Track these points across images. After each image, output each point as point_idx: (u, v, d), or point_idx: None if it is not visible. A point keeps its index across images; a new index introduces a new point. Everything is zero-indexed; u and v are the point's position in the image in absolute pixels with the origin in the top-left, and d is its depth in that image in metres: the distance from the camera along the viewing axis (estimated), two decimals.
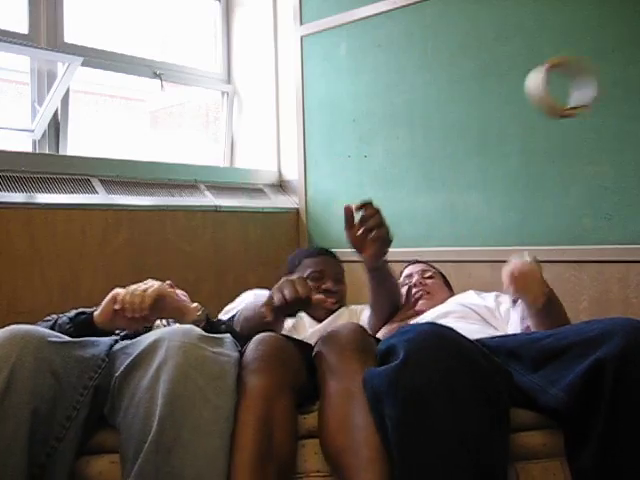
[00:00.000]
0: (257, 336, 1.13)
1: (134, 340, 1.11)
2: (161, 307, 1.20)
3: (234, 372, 1.03)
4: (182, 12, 2.90)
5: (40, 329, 1.04)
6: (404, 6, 2.31)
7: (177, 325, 1.17)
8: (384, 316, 1.55)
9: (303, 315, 1.64)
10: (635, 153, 1.84)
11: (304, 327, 1.63)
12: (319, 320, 1.65)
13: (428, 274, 1.77)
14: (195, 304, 1.31)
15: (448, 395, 0.94)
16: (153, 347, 1.00)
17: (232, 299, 1.84)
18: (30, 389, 0.93)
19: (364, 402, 1.02)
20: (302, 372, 1.14)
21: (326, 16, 2.54)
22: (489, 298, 1.62)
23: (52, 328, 1.24)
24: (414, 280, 1.73)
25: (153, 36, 2.77)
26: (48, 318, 1.30)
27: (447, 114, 2.23)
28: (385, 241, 1.37)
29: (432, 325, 1.08)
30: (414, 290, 1.66)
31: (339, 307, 1.71)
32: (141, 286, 1.21)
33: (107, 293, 1.49)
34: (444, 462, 0.90)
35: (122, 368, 1.00)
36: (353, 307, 1.74)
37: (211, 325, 1.29)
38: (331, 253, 1.81)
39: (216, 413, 0.95)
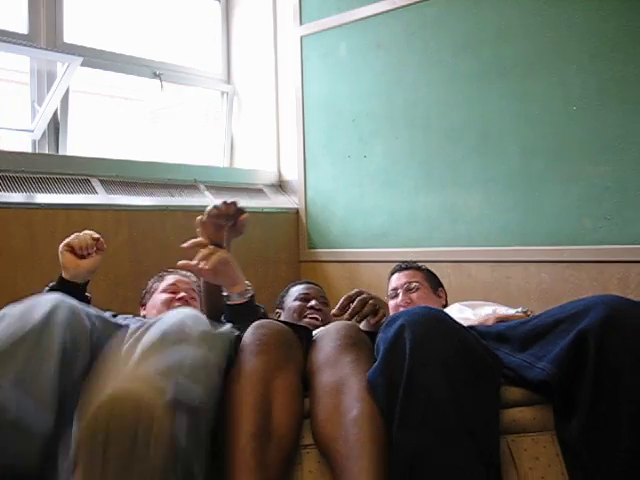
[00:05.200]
0: (255, 322, 1.15)
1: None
2: (223, 271, 1.35)
3: (228, 349, 1.07)
4: (182, 12, 2.90)
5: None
6: (404, 6, 2.31)
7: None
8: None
9: None
10: (635, 153, 1.84)
11: None
12: None
13: (413, 285, 1.74)
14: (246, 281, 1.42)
15: (444, 374, 0.97)
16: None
17: None
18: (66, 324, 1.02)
19: (357, 390, 1.02)
20: (302, 355, 1.16)
21: (326, 16, 2.54)
22: (467, 312, 1.62)
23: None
24: (399, 300, 1.72)
25: (153, 36, 2.77)
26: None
27: (447, 114, 2.23)
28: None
29: (426, 308, 1.10)
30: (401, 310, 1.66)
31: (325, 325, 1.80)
32: (210, 248, 1.38)
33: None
34: (441, 439, 0.93)
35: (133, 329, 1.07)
36: None
37: (253, 307, 1.40)
38: (316, 283, 1.91)
39: (204, 361, 0.97)
